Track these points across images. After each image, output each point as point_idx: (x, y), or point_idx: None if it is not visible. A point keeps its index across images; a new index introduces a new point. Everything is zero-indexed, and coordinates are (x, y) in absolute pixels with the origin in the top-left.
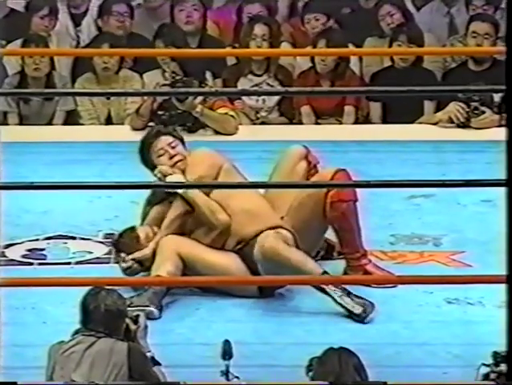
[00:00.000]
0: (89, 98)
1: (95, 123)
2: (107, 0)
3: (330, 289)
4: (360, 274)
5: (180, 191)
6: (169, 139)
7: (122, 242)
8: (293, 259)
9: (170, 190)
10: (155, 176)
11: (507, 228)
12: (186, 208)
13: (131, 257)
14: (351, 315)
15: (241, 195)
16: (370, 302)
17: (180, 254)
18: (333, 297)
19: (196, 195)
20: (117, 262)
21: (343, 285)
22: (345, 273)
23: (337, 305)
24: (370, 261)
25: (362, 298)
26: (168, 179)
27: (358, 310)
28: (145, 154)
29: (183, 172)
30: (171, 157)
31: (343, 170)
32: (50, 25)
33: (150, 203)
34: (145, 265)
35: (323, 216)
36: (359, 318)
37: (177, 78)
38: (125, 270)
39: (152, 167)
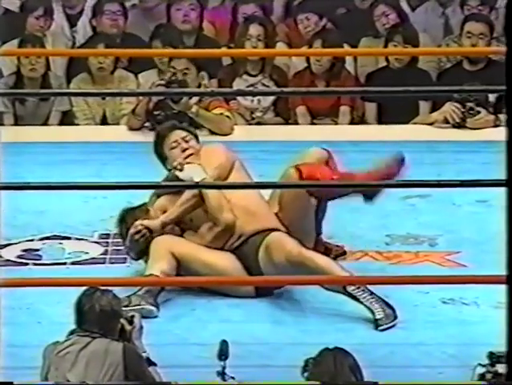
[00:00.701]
0: (84, 98)
1: (91, 123)
2: (99, 0)
3: (356, 292)
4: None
5: (196, 180)
6: (183, 133)
7: (130, 214)
8: (319, 264)
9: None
10: (166, 168)
11: (507, 229)
12: (196, 196)
13: (140, 222)
14: (371, 319)
15: (241, 192)
16: (393, 311)
17: (174, 253)
18: (360, 300)
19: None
20: (121, 234)
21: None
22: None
23: (366, 309)
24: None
25: (389, 306)
26: (186, 169)
27: (379, 315)
28: (158, 146)
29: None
30: (183, 150)
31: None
32: (45, 25)
33: (156, 193)
34: (155, 233)
35: (310, 212)
36: (376, 324)
37: (173, 78)
38: (133, 236)
39: (164, 159)
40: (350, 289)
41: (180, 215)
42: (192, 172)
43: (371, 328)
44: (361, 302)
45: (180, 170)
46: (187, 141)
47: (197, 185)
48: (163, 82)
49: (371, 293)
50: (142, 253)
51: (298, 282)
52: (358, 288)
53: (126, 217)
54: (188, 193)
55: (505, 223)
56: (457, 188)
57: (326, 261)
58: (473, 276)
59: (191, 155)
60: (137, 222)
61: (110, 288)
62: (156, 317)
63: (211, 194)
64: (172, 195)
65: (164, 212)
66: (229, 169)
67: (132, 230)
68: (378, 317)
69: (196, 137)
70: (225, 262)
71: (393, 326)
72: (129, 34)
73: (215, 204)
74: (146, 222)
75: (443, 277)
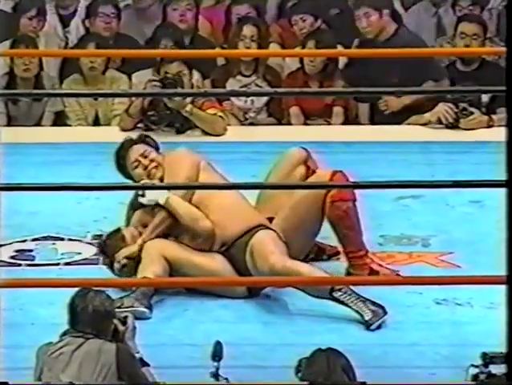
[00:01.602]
0: (76, 99)
1: (83, 124)
2: (93, 1)
3: (342, 296)
4: (366, 273)
5: (161, 201)
6: (141, 148)
7: (108, 244)
8: (304, 274)
9: (150, 202)
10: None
11: (507, 229)
12: (169, 218)
13: (121, 255)
14: (361, 321)
15: (220, 194)
16: (381, 308)
17: (166, 257)
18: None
19: (177, 204)
20: (106, 264)
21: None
22: (348, 272)
23: (352, 311)
24: (373, 260)
25: (376, 304)
26: (148, 192)
27: (368, 316)
28: (121, 167)
29: (161, 178)
30: (145, 168)
31: (340, 172)
32: (38, 26)
33: (133, 207)
34: (135, 261)
35: (318, 218)
36: (367, 324)
37: (168, 75)
38: (121, 270)
39: (131, 177)
40: (336, 294)
41: (155, 237)
42: (155, 194)
43: (363, 329)
44: (348, 306)
45: (142, 195)
46: (146, 156)
47: (187, 186)
48: (157, 78)
49: (357, 295)
50: (133, 274)
51: (288, 283)
52: (345, 292)
53: (105, 249)
54: (160, 216)
55: (505, 223)
56: (456, 188)
57: (311, 271)
58: (472, 276)
59: (154, 168)
60: (118, 255)
61: (103, 289)
62: (148, 318)
63: (182, 211)
64: (148, 210)
65: (144, 225)
66: (196, 174)
67: (116, 265)
68: (367, 318)
69: (155, 148)
70: (216, 264)
71: (383, 321)
72: (122, 34)
73: (188, 218)
74: (126, 252)
75: (440, 277)
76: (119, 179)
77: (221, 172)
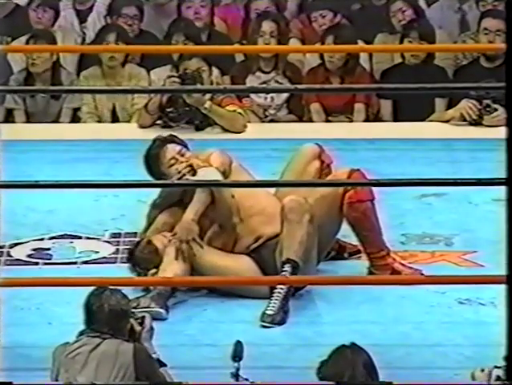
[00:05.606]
0: (92, 95)
1: (101, 121)
2: (115, 0)
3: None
4: (388, 274)
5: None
6: (176, 147)
7: (139, 257)
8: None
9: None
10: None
11: (507, 228)
12: (209, 197)
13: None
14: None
15: (255, 195)
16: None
17: (188, 257)
18: None
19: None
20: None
21: None
22: (370, 272)
23: None
24: (394, 259)
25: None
26: (200, 172)
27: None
28: (152, 165)
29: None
30: (188, 165)
31: (358, 170)
32: (50, 20)
33: (157, 207)
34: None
35: (338, 217)
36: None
37: (187, 71)
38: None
39: (159, 177)
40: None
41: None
42: (207, 175)
43: (385, 329)
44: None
45: (194, 175)
46: (183, 155)
47: (206, 183)
48: (176, 74)
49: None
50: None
51: (307, 282)
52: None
53: (137, 262)
54: (197, 199)
55: (506, 222)
56: (453, 186)
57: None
58: (473, 276)
59: (190, 166)
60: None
61: (120, 288)
62: (165, 319)
63: (225, 194)
64: (175, 210)
65: (171, 228)
66: (227, 176)
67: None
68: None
69: (186, 147)
70: (240, 266)
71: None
72: (143, 31)
73: (229, 203)
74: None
75: (439, 277)
76: (138, 176)
77: (252, 174)
